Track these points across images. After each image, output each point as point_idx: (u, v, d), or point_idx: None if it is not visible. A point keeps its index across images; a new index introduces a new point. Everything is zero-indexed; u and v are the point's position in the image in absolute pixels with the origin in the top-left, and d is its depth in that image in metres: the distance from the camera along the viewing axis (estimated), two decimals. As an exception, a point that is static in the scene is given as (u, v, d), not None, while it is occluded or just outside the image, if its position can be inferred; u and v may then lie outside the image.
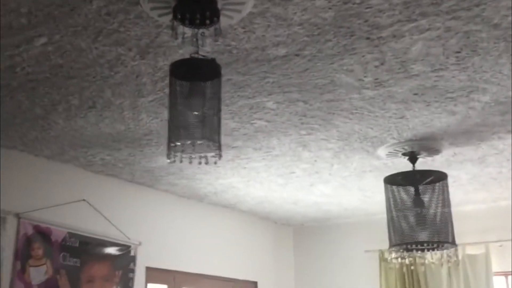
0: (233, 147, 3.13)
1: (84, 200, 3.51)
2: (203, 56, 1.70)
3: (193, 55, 1.69)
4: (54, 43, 2.04)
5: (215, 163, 1.70)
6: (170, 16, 1.78)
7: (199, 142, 1.61)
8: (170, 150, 1.63)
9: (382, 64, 2.22)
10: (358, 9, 1.85)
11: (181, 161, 1.70)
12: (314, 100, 2.54)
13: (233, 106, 2.59)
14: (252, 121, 2.77)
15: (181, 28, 1.77)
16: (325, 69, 2.26)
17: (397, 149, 3.11)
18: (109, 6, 1.82)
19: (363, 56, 2.16)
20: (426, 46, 2.10)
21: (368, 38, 2.04)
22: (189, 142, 1.61)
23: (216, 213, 4.52)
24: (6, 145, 3.10)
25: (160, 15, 1.82)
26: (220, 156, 1.67)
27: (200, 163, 1.70)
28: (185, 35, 1.78)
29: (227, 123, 2.76)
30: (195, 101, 1.68)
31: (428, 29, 1.98)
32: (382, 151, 3.18)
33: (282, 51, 2.12)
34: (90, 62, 2.19)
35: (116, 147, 3.14)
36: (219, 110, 1.70)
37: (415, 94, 2.49)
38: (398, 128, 2.87)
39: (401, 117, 2.74)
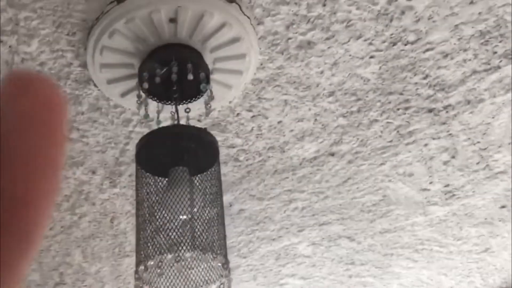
0: (261, 330, 2.32)
1: None
2: (185, 124, 1.06)
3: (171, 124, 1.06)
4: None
5: (223, 298, 0.96)
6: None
7: (187, 255, 0.89)
8: (139, 278, 0.91)
9: (453, 157, 1.56)
10: (413, 53, 1.25)
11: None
12: (363, 233, 1.82)
13: (253, 257, 1.87)
14: (282, 281, 2.01)
15: (154, 104, 1.17)
16: (373, 176, 1.59)
17: (482, 304, 2.29)
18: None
19: (426, 145, 1.51)
20: (513, 117, 1.46)
21: (431, 111, 1.41)
22: (170, 256, 0.89)
23: None
24: None
25: (123, 94, 1.23)
26: (229, 282, 0.94)
27: (196, 303, 0.96)
28: (160, 113, 1.17)
29: (248, 288, 2.01)
30: (179, 199, 1.00)
31: (516, 83, 1.37)
32: (461, 312, 2.35)
33: (310, 148, 1.47)
34: (42, 203, 1.54)
35: None
36: (221, 209, 1.01)
37: (502, 207, 1.79)
38: (481, 270, 2.10)
39: (485, 250, 1.98)
